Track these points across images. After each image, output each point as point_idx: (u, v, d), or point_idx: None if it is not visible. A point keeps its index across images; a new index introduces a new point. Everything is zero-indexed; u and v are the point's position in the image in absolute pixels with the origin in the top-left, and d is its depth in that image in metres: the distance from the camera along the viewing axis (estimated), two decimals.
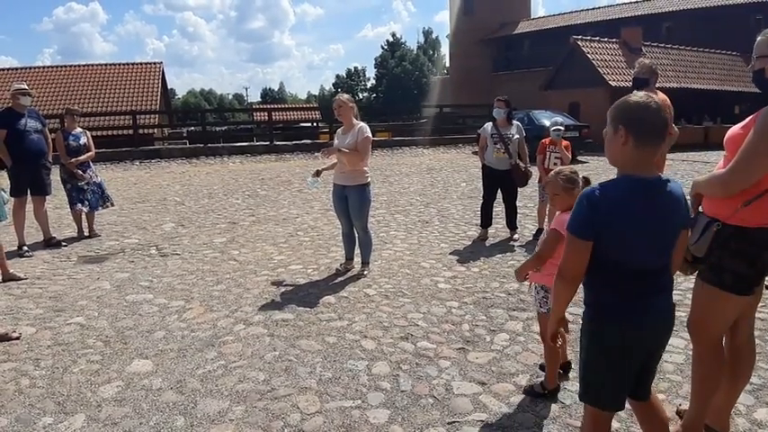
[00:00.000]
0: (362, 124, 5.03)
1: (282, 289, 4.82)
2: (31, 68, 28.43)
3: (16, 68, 28.82)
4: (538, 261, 2.83)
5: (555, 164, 6.34)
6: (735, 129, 2.29)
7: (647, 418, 2.15)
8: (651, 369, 2.04)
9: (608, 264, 1.85)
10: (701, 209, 2.38)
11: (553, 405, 2.88)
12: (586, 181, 2.81)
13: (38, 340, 3.79)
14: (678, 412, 2.74)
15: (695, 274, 2.45)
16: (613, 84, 20.25)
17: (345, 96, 5.10)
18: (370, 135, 5.03)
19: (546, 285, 2.87)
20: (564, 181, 2.80)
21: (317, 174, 5.04)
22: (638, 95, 1.82)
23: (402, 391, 3.04)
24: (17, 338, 3.78)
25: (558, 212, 2.89)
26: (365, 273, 5.17)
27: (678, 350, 3.41)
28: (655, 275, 1.89)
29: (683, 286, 4.55)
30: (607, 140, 1.90)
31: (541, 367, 3.17)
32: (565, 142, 6.52)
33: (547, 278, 2.85)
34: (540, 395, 2.94)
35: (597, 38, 23.24)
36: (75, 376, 3.26)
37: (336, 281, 5.02)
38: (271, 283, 4.95)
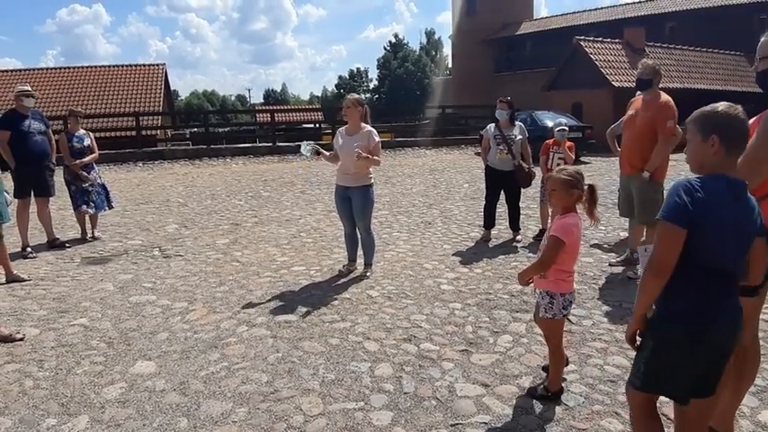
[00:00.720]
0: (371, 128, 5.04)
1: (285, 290, 4.82)
2: (34, 70, 28.55)
3: (20, 70, 28.95)
4: (540, 267, 2.80)
5: (558, 164, 6.32)
6: None
7: (691, 417, 2.10)
8: (720, 368, 2.02)
9: (691, 261, 1.84)
10: None
11: (557, 407, 2.87)
12: (591, 189, 2.79)
13: (41, 341, 3.80)
14: None
15: None
16: (616, 84, 20.19)
17: (355, 97, 5.08)
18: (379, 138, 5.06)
19: (551, 291, 2.85)
20: (565, 176, 2.78)
21: (317, 153, 5.05)
22: (725, 105, 1.87)
23: (405, 393, 3.04)
24: (21, 340, 3.80)
25: (557, 216, 2.87)
26: (368, 274, 5.16)
27: None
28: (732, 277, 1.91)
29: None
30: (694, 147, 1.92)
31: (545, 369, 3.16)
32: (568, 143, 6.52)
33: (552, 284, 2.84)
34: (544, 397, 2.94)
35: (600, 38, 23.17)
36: (78, 378, 3.27)
37: (339, 282, 5.02)
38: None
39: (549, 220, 6.45)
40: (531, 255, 5.83)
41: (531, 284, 2.98)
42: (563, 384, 3.01)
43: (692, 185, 1.82)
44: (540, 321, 3.03)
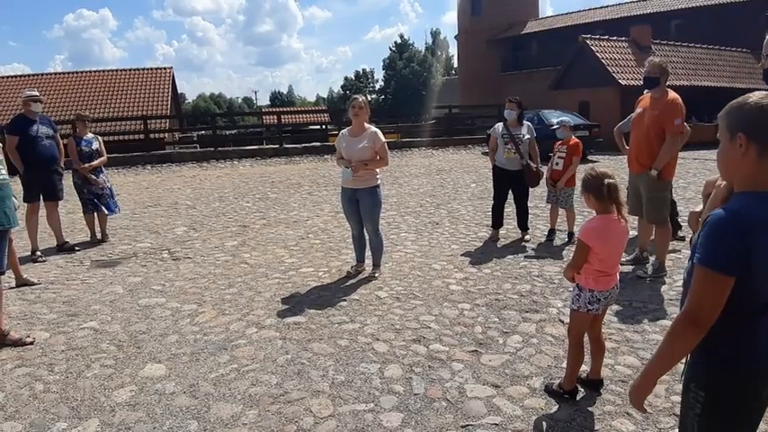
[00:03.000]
0: (376, 129, 5.03)
1: (294, 292, 4.82)
2: (42, 75, 28.70)
3: (28, 75, 29.11)
4: (571, 270, 2.87)
5: (557, 164, 6.26)
6: None
7: None
8: None
9: (735, 301, 1.49)
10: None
11: (568, 408, 2.85)
12: (608, 188, 2.70)
13: (52, 345, 3.81)
14: None
15: None
16: (623, 82, 20.09)
17: (363, 98, 5.08)
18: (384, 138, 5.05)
19: (580, 284, 2.87)
20: (583, 177, 2.83)
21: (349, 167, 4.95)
22: (758, 95, 1.51)
23: (415, 395, 3.03)
24: (31, 343, 3.81)
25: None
26: (376, 275, 5.15)
27: None
28: None
29: None
30: (722, 149, 1.58)
31: (579, 380, 3.05)
32: (573, 141, 6.34)
33: (582, 278, 2.86)
34: (558, 394, 2.92)
35: (606, 36, 23.07)
36: (88, 381, 3.28)
37: (347, 283, 5.02)
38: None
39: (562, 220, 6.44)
40: (539, 255, 5.81)
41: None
42: (577, 384, 2.98)
43: (741, 221, 1.44)
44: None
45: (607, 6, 33.66)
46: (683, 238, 6.04)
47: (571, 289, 2.96)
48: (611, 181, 2.72)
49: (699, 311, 1.50)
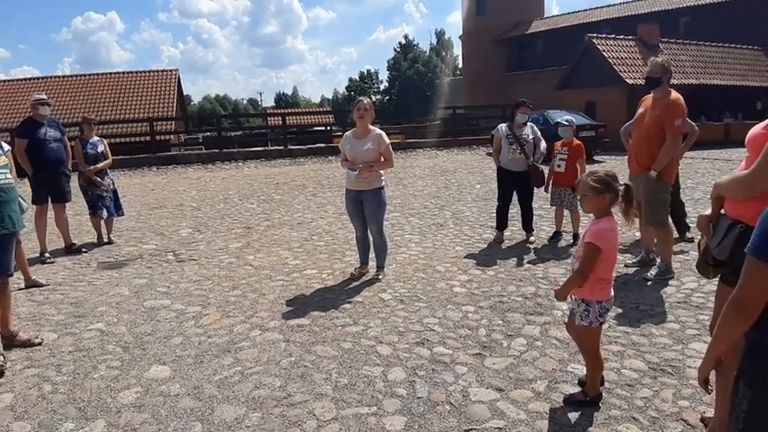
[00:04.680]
0: (381, 131, 5.04)
1: (297, 294, 4.82)
2: (51, 78, 28.92)
3: (37, 78, 29.34)
4: (581, 279, 2.71)
5: (558, 166, 6.21)
6: (757, 128, 2.24)
7: None
8: None
9: None
10: (723, 211, 2.33)
11: (573, 412, 2.84)
12: (627, 189, 2.69)
13: (59, 346, 3.85)
14: (702, 419, 2.69)
15: (717, 277, 2.41)
16: (630, 82, 19.99)
17: (369, 101, 5.10)
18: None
19: (587, 299, 2.77)
20: (593, 181, 2.67)
21: (353, 169, 4.96)
22: None
23: (418, 398, 3.02)
24: (39, 344, 3.85)
25: (592, 219, 2.79)
26: (380, 277, 5.15)
27: (702, 355, 3.33)
28: None
29: (706, 289, 4.48)
30: None
31: (580, 383, 3.05)
32: (576, 142, 6.30)
33: (588, 292, 2.76)
34: (582, 403, 2.89)
35: (613, 35, 22.98)
36: (95, 382, 3.30)
37: (351, 286, 5.02)
38: None
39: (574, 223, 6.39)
40: (543, 256, 5.79)
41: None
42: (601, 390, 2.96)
43: None
44: (574, 329, 2.93)
45: (614, 5, 33.49)
46: (691, 240, 6.00)
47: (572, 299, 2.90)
48: (629, 183, 2.72)
49: (744, 298, 1.54)
